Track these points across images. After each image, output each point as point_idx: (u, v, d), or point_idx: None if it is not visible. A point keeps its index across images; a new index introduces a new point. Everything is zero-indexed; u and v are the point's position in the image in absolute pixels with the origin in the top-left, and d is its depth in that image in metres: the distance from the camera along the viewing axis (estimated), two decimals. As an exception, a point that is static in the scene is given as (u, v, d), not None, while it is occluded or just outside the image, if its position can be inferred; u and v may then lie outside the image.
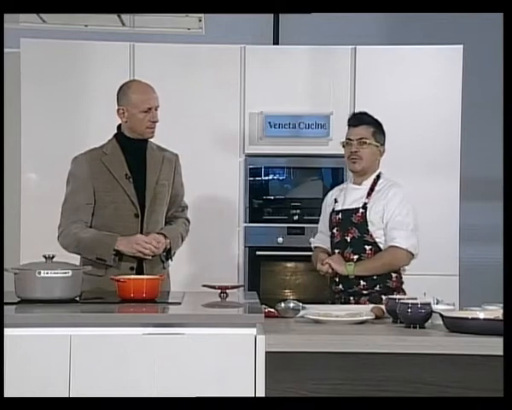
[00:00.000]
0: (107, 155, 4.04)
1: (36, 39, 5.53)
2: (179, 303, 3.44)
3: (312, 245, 4.37)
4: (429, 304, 3.22)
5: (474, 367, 3.00)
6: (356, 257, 4.06)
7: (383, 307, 3.46)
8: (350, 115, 4.29)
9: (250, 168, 5.62)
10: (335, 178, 5.57)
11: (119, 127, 4.11)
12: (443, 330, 3.13)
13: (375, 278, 4.03)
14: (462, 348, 3.01)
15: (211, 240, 5.55)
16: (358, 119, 4.18)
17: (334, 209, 4.19)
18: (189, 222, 4.28)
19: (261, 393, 2.99)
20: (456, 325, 3.10)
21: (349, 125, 4.19)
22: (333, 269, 4.05)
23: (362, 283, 4.03)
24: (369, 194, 4.11)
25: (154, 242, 3.93)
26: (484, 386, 2.98)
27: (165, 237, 4.01)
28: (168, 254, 4.08)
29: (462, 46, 5.55)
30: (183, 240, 4.18)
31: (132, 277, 3.63)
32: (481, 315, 3.17)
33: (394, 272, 4.07)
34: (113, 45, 5.60)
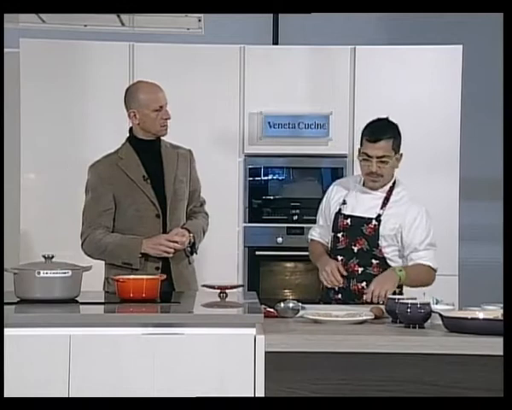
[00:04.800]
0: (122, 159, 4.05)
1: (35, 39, 5.53)
2: (179, 303, 3.44)
3: (310, 238, 4.17)
4: (429, 304, 3.22)
5: (474, 367, 3.00)
6: (361, 269, 3.89)
7: (382, 307, 3.46)
8: (366, 126, 3.92)
9: (249, 168, 5.62)
10: (335, 178, 5.53)
11: (130, 130, 4.12)
12: (442, 331, 3.13)
13: None
14: (462, 348, 3.01)
15: (210, 240, 5.54)
16: (377, 133, 3.85)
17: (341, 211, 3.97)
18: (208, 216, 4.27)
19: (260, 393, 2.99)
20: (455, 325, 3.10)
21: (366, 140, 3.87)
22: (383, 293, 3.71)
23: (365, 297, 3.79)
24: (384, 204, 3.92)
25: (178, 237, 3.95)
26: (484, 386, 2.98)
27: (189, 231, 4.02)
28: (192, 248, 4.09)
29: (461, 46, 5.55)
30: (204, 234, 4.20)
31: (132, 277, 3.62)
32: (481, 315, 3.17)
33: (398, 287, 3.87)
34: (113, 45, 5.60)
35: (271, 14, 6.32)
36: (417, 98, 5.58)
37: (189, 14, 5.30)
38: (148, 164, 4.06)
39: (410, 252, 3.90)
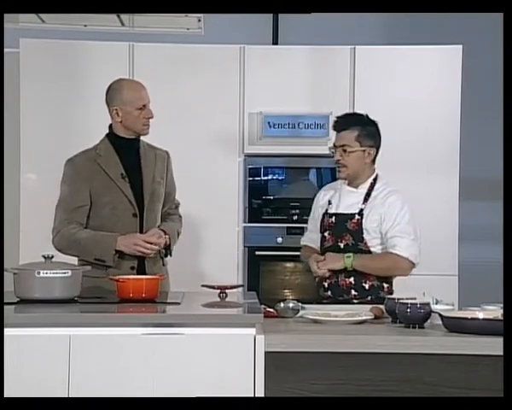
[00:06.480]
0: (101, 156, 4.02)
1: (35, 39, 5.53)
2: (178, 303, 3.44)
3: (301, 243, 4.26)
4: (428, 304, 3.22)
5: (474, 367, 3.00)
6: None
7: (382, 307, 3.46)
8: (334, 119, 4.12)
9: (249, 168, 5.61)
10: (335, 178, 5.56)
11: (109, 127, 4.10)
12: (442, 331, 3.13)
13: (367, 288, 3.93)
14: (462, 348, 3.01)
15: (210, 240, 5.55)
16: (340, 123, 4.02)
17: (327, 211, 4.07)
18: (181, 218, 4.27)
19: (260, 393, 2.99)
20: (455, 325, 3.10)
21: (333, 130, 4.07)
22: (330, 271, 3.94)
23: (353, 292, 3.94)
24: (365, 199, 3.98)
25: (154, 238, 3.93)
26: (484, 386, 2.98)
27: (165, 232, 4.01)
28: (167, 250, 4.07)
29: (461, 46, 5.55)
30: (178, 236, 4.19)
31: (131, 277, 3.62)
32: (480, 315, 3.17)
33: (386, 283, 3.98)
34: (113, 45, 5.60)
35: (271, 14, 6.32)
36: (417, 98, 5.58)
37: (189, 14, 5.31)
38: (127, 162, 4.03)
39: (386, 240, 3.93)
